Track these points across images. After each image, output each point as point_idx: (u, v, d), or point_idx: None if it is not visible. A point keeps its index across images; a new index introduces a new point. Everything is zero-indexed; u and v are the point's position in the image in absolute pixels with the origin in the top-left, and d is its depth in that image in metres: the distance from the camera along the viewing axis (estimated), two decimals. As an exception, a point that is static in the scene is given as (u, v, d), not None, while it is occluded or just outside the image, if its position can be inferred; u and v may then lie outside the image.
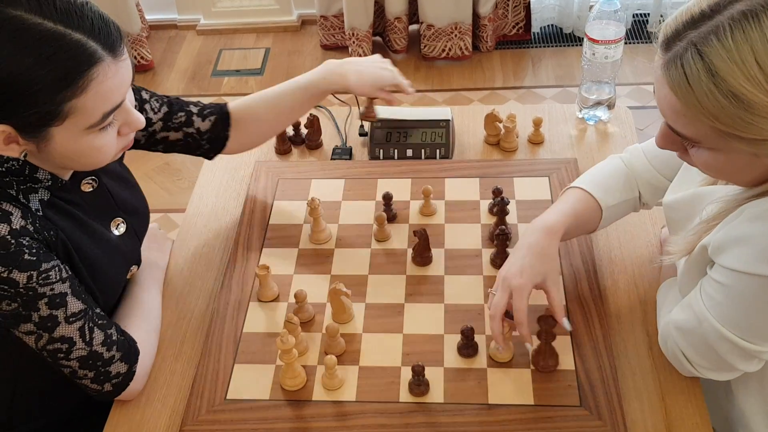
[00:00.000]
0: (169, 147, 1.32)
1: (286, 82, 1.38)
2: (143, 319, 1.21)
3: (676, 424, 1.06)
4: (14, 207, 1.01)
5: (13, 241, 0.98)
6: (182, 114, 1.31)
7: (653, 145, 1.20)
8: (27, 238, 1.00)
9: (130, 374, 1.12)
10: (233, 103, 1.38)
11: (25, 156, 0.99)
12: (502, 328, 1.10)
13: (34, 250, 1.00)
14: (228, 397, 1.13)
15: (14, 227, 0.99)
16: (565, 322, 1.11)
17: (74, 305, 1.05)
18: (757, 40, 0.80)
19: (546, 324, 1.10)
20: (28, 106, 0.92)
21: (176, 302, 1.29)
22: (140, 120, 1.05)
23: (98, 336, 1.08)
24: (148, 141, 1.29)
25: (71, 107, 0.93)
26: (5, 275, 0.98)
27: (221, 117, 1.35)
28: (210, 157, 1.39)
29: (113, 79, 0.96)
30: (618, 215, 1.26)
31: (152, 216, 1.51)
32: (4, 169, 1.02)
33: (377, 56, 1.42)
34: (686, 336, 1.04)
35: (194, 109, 1.33)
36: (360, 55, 3.13)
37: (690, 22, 0.85)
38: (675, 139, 0.95)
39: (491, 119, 1.54)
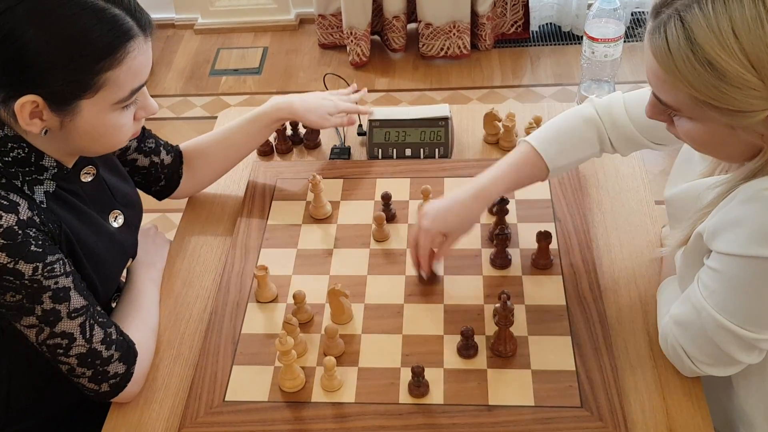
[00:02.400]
0: (132, 172, 1.34)
1: (236, 120, 1.42)
2: (141, 320, 1.20)
3: (678, 425, 1.06)
4: (21, 198, 1.01)
5: (20, 232, 0.99)
6: (152, 141, 1.35)
7: (636, 100, 1.21)
8: (33, 230, 1.01)
9: (127, 375, 1.11)
10: (184, 144, 1.43)
11: (45, 132, 1.00)
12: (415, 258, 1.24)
13: (40, 242, 1.01)
14: (226, 399, 1.12)
15: (21, 218, 1.00)
16: (437, 267, 1.25)
17: (77, 301, 1.05)
18: (736, 11, 0.83)
19: (503, 310, 1.10)
20: (68, 73, 0.95)
21: (174, 303, 1.29)
22: (154, 105, 1.10)
23: (98, 334, 1.08)
24: (119, 159, 1.30)
25: (105, 79, 0.98)
26: (11, 266, 0.98)
27: (177, 155, 1.40)
28: (161, 197, 1.41)
29: (144, 56, 1.01)
30: (571, 168, 1.31)
31: (150, 216, 1.50)
32: (10, 159, 1.02)
33: (320, 92, 1.51)
34: (686, 330, 1.04)
35: (161, 141, 1.37)
36: (358, 54, 3.12)
37: None
38: (661, 109, 0.98)
39: (490, 118, 1.53)
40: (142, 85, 1.04)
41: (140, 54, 1.00)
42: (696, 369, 1.06)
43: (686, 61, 0.86)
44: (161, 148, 1.36)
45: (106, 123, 1.02)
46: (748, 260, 0.92)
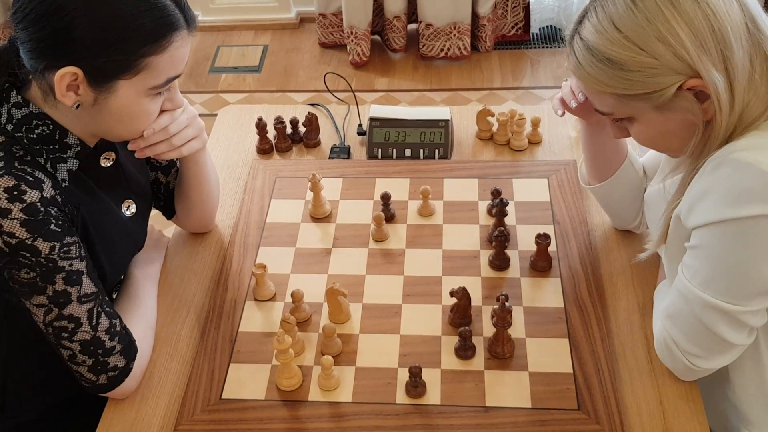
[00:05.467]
0: None
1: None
2: (140, 317, 1.20)
3: (674, 428, 1.06)
4: (45, 176, 1.02)
5: (42, 209, 1.00)
6: (168, 160, 1.33)
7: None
8: (55, 209, 1.02)
9: (126, 370, 1.11)
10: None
11: (77, 107, 1.01)
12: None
13: (60, 222, 1.02)
14: (223, 397, 1.12)
15: (45, 195, 1.01)
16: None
17: (88, 286, 1.06)
18: (612, 9, 0.96)
19: (501, 311, 1.11)
20: (112, 52, 0.97)
21: (172, 300, 1.28)
22: (182, 100, 1.14)
23: (104, 322, 1.08)
24: None
25: (147, 63, 1.00)
26: (29, 242, 0.99)
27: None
28: (166, 216, 1.38)
29: (184, 49, 1.04)
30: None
31: (148, 213, 1.49)
32: (35, 136, 1.03)
33: None
34: (676, 321, 1.05)
35: (177, 165, 1.34)
36: (358, 54, 3.12)
37: (578, 20, 1.02)
38: (611, 122, 1.08)
39: (483, 114, 1.54)
40: (177, 76, 1.06)
41: (182, 46, 1.03)
42: (689, 365, 1.06)
43: (592, 66, 0.98)
44: (171, 170, 1.34)
45: (137, 106, 1.04)
46: (723, 225, 0.94)
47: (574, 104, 1.19)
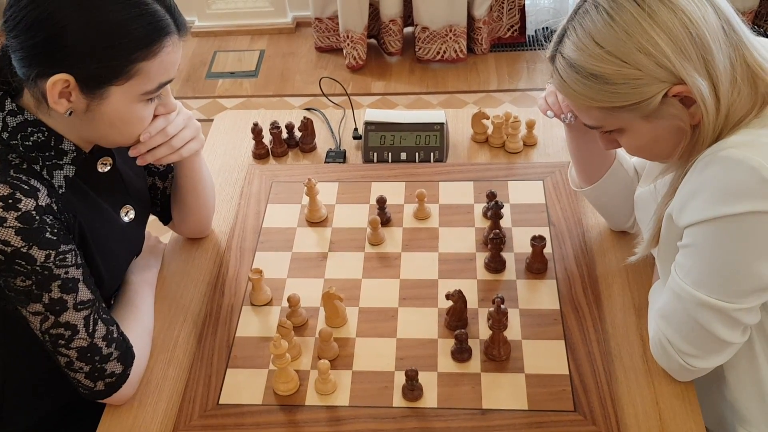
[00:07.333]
0: None
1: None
2: (137, 323, 1.20)
3: (671, 428, 1.06)
4: (41, 184, 1.03)
5: (37, 218, 1.00)
6: (164, 165, 1.32)
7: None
8: (50, 217, 1.02)
9: (124, 376, 1.11)
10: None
11: (69, 114, 1.02)
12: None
13: (55, 230, 1.02)
14: (220, 402, 1.13)
15: (40, 204, 1.01)
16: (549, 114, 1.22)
17: (84, 293, 1.06)
18: (589, 25, 0.97)
19: (497, 314, 1.11)
20: (104, 58, 0.98)
21: (168, 306, 1.29)
22: (175, 103, 1.15)
23: (101, 329, 1.08)
24: None
25: (138, 69, 1.00)
26: (24, 250, 0.99)
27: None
28: (162, 221, 1.38)
29: (176, 54, 1.05)
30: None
31: (145, 219, 1.49)
32: (30, 143, 1.03)
33: None
34: (670, 320, 1.05)
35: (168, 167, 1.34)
36: (354, 57, 3.13)
37: (557, 40, 1.04)
38: (601, 135, 1.09)
39: (478, 117, 1.54)
40: (169, 81, 1.07)
41: (173, 51, 1.04)
42: (685, 365, 1.06)
43: (577, 83, 0.99)
44: (168, 176, 1.34)
45: (129, 112, 1.04)
46: (714, 223, 0.95)
47: (551, 114, 1.20)
